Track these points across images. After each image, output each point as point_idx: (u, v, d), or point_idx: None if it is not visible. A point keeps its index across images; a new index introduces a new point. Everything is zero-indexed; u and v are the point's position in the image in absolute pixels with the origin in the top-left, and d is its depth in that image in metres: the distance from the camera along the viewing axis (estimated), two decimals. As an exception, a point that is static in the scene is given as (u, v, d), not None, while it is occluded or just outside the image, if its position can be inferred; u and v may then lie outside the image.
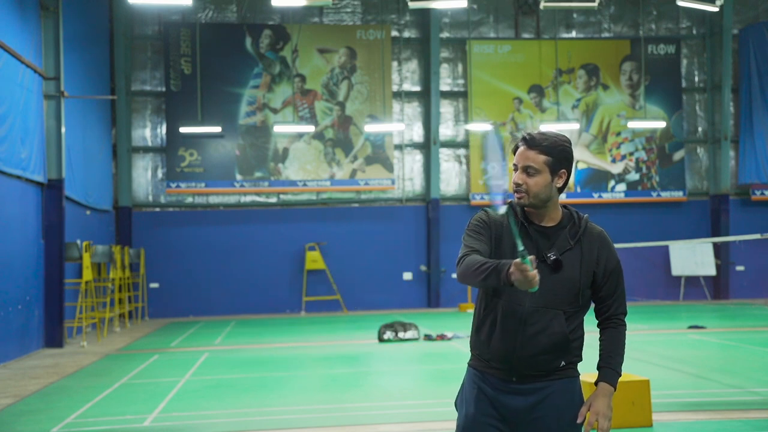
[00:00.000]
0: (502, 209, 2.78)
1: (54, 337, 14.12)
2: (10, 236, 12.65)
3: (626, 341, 3.05)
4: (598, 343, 3.03)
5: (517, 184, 2.93)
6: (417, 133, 22.83)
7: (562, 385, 2.94)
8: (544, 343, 2.89)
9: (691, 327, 15.05)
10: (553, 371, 2.93)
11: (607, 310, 3.02)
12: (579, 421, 2.90)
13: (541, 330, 2.88)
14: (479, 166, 22.56)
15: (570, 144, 2.97)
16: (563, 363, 2.94)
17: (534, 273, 2.57)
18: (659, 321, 17.01)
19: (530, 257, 2.58)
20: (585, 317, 3.01)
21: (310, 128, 21.40)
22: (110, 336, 16.09)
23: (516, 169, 2.95)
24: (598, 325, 3.06)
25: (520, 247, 2.58)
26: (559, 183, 2.94)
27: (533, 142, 2.92)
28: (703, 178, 23.70)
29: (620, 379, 7.27)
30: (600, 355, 2.99)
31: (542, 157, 2.91)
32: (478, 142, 22.59)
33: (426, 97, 22.67)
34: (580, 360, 3.00)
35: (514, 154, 2.98)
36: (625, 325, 3.04)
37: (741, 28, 23.43)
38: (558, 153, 2.92)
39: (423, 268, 22.23)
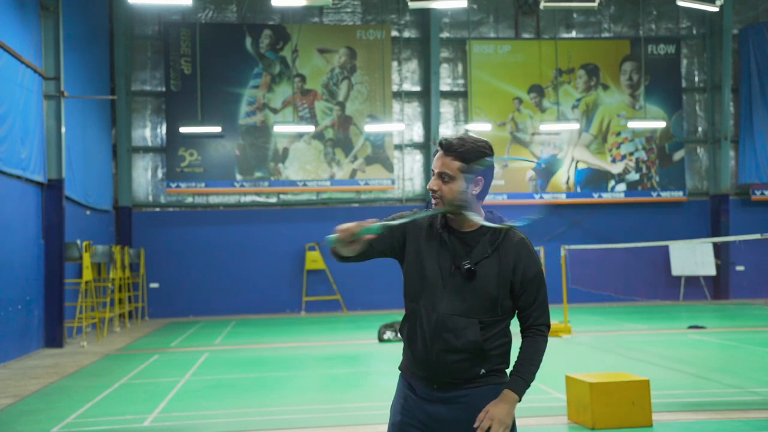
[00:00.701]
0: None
1: (54, 337, 14.12)
2: (10, 236, 12.65)
3: (543, 353, 2.94)
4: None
5: (433, 190, 2.91)
6: (417, 133, 22.83)
7: (483, 392, 2.88)
8: (458, 351, 2.85)
9: (691, 327, 15.05)
10: (472, 379, 2.88)
11: (527, 320, 2.93)
12: (475, 425, 2.82)
13: (455, 338, 2.84)
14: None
15: (489, 150, 2.92)
16: (483, 371, 2.88)
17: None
18: (659, 321, 17.01)
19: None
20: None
21: (310, 128, 21.39)
22: (110, 336, 16.09)
23: (433, 174, 2.93)
24: (521, 334, 3.00)
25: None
26: (476, 190, 2.89)
27: (449, 148, 2.88)
28: (703, 178, 23.70)
29: (620, 379, 7.28)
30: (514, 364, 2.93)
31: (457, 164, 2.86)
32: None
33: (426, 97, 22.68)
34: (507, 366, 2.96)
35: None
36: (544, 336, 2.93)
37: (741, 28, 23.43)
38: (474, 160, 2.87)
39: (423, 268, 22.22)
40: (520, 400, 2.87)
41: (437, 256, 2.91)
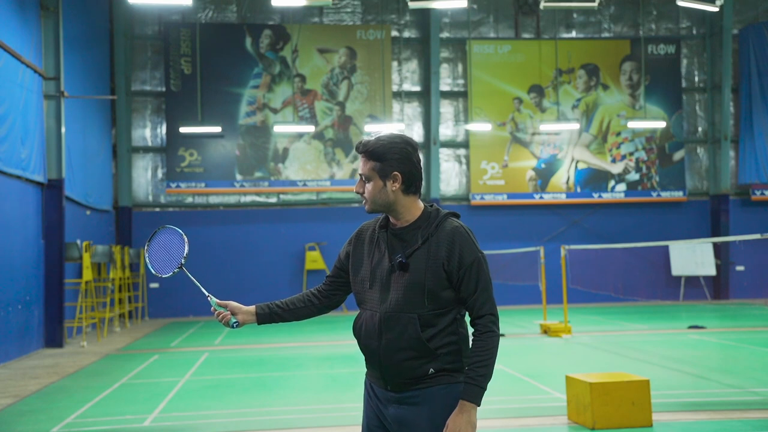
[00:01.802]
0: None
1: (54, 337, 14.12)
2: (10, 236, 12.65)
3: (495, 350, 2.84)
4: None
5: (359, 193, 2.95)
6: (417, 133, 22.83)
7: (434, 393, 2.85)
8: (402, 349, 2.84)
9: (691, 327, 15.05)
10: (422, 378, 2.85)
11: (471, 310, 2.87)
12: None
13: (398, 336, 2.84)
14: (479, 166, 22.56)
15: (405, 143, 2.90)
16: (432, 370, 2.84)
17: (220, 313, 3.19)
18: (659, 321, 17.01)
19: (214, 301, 3.17)
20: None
21: (310, 128, 21.40)
22: (110, 336, 16.09)
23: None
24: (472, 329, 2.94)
25: (206, 293, 3.10)
26: (395, 186, 2.88)
27: (363, 149, 2.92)
28: (703, 178, 23.70)
29: (620, 379, 7.27)
30: (466, 368, 2.84)
31: (370, 164, 2.90)
32: (479, 142, 22.61)
33: (426, 97, 22.68)
34: (460, 366, 2.89)
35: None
36: (491, 330, 2.83)
37: (741, 28, 23.43)
38: (386, 157, 2.87)
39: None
40: (479, 405, 2.82)
41: (379, 257, 2.94)
